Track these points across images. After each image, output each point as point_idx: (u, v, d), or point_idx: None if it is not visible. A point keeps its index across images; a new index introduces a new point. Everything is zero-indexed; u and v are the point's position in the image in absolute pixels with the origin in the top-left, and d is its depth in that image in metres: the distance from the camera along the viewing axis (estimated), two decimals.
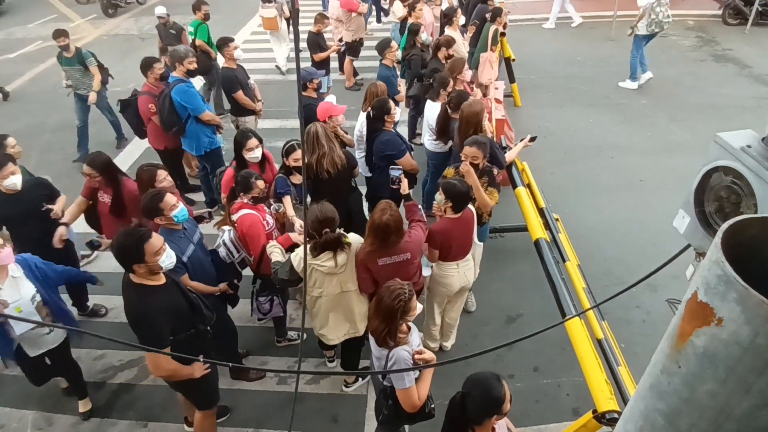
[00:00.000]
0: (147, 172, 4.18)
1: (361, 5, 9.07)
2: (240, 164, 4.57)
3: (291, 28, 9.67)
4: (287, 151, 4.45)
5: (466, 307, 4.85)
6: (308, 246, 3.54)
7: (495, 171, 4.36)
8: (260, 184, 4.04)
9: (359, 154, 5.33)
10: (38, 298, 3.49)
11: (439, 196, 3.74)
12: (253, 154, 4.54)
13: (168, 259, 2.98)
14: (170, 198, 3.49)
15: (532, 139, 5.19)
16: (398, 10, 9.11)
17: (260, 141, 4.66)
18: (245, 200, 4.00)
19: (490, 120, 5.51)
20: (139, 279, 2.94)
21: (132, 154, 7.81)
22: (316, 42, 8.09)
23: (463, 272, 4.02)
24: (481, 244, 4.40)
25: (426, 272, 4.00)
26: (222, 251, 3.97)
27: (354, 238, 3.64)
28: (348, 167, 4.52)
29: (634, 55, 9.15)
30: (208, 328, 3.28)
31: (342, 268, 3.53)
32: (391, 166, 4.45)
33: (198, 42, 7.90)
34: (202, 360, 3.14)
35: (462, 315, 4.88)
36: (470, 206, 3.88)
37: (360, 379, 4.34)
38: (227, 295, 4.01)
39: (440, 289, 4.07)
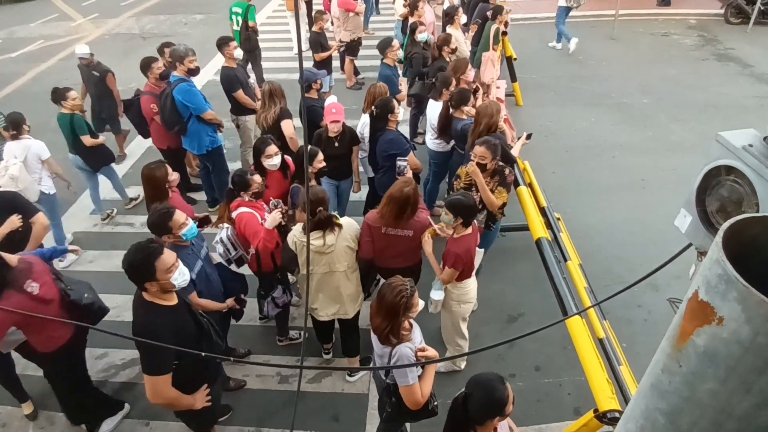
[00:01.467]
0: (159, 169, 4.15)
1: (359, 5, 9.06)
2: (259, 171, 4.42)
3: (300, 21, 9.76)
4: (311, 156, 4.36)
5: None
6: (301, 224, 3.79)
7: (507, 171, 4.35)
8: (257, 179, 4.04)
9: (362, 155, 5.33)
10: None
11: (446, 216, 3.65)
12: (272, 161, 4.39)
13: (181, 276, 2.87)
14: (179, 216, 3.40)
15: (529, 136, 5.19)
16: (399, 7, 9.11)
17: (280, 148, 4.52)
18: (246, 198, 4.01)
19: (506, 122, 5.48)
20: (150, 297, 2.83)
21: (134, 154, 7.81)
22: (318, 41, 8.09)
23: (474, 279, 4.06)
24: (482, 251, 4.28)
25: (438, 296, 3.86)
26: (219, 248, 3.98)
27: (346, 222, 3.75)
28: (275, 124, 5.32)
29: (558, 23, 10.86)
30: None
31: (330, 248, 3.64)
32: (399, 157, 4.48)
33: (251, 24, 8.44)
34: (203, 354, 3.10)
35: None
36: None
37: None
38: (233, 309, 4.01)
39: (465, 307, 4.01)
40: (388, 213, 3.73)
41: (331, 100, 5.58)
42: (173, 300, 2.93)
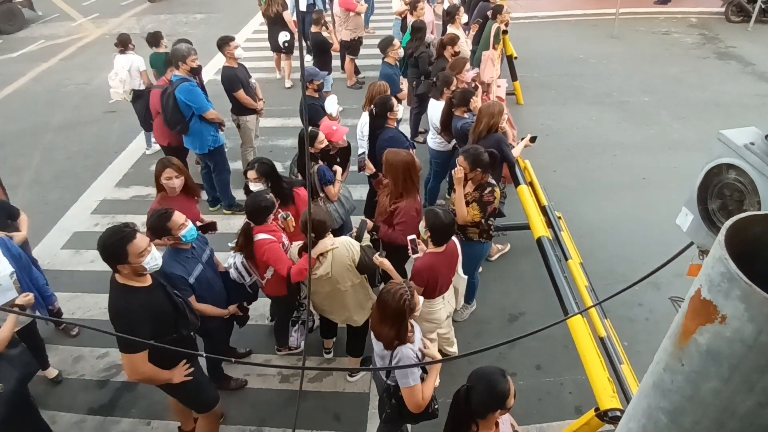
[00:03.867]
0: (167, 161, 4.25)
1: (360, 5, 9.05)
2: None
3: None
4: (311, 138, 4.44)
5: (460, 317, 4.83)
6: (298, 243, 3.75)
7: (488, 190, 4.07)
8: (272, 196, 3.87)
9: (360, 152, 5.33)
10: (15, 276, 3.50)
11: (421, 223, 3.61)
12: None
13: (153, 260, 2.91)
14: (178, 217, 3.36)
15: (533, 139, 5.18)
16: (396, 4, 9.10)
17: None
18: (269, 222, 3.82)
19: (508, 121, 5.43)
20: (123, 279, 2.89)
21: (135, 153, 7.81)
22: (320, 39, 8.11)
23: (448, 301, 3.91)
24: (465, 277, 4.07)
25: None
26: (233, 273, 3.90)
27: (342, 244, 3.63)
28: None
29: None
30: (192, 333, 3.24)
31: (326, 275, 3.63)
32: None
33: None
34: (203, 355, 3.11)
35: None
36: (454, 238, 3.73)
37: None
38: (237, 315, 4.00)
39: (429, 326, 3.88)
40: (407, 187, 3.94)
41: (331, 99, 5.58)
42: (147, 281, 2.96)
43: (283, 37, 8.86)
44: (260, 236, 3.75)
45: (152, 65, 7.00)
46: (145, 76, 6.84)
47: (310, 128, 4.60)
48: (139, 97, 6.14)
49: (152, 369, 2.98)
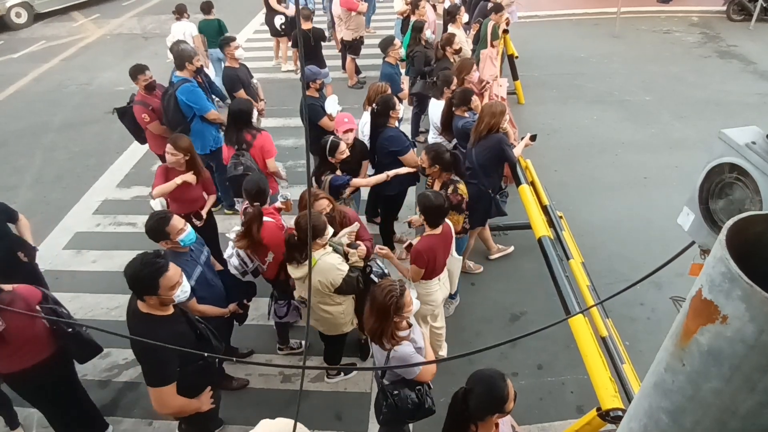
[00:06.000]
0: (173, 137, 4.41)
1: (361, 4, 9.05)
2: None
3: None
4: (332, 149, 4.40)
5: (446, 313, 4.80)
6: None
7: (450, 188, 4.19)
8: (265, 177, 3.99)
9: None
10: None
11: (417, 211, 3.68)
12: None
13: (183, 293, 2.88)
14: (177, 221, 3.39)
15: (533, 138, 5.17)
16: (397, 4, 9.10)
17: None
18: (267, 205, 3.91)
19: (511, 122, 5.42)
20: (147, 309, 2.83)
21: (135, 154, 7.81)
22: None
23: (443, 284, 4.00)
24: (460, 257, 4.22)
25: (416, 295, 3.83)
26: (234, 261, 3.90)
27: (326, 265, 3.56)
28: None
29: None
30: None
31: (302, 279, 3.64)
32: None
33: None
34: (205, 354, 3.07)
35: (465, 313, 4.90)
36: (447, 221, 3.82)
37: (342, 373, 4.38)
38: (237, 314, 4.01)
39: (426, 308, 3.95)
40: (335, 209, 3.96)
41: (331, 99, 5.58)
42: (170, 310, 2.91)
43: (279, 20, 9.33)
44: (264, 219, 3.80)
45: (201, 31, 8.12)
46: (197, 41, 7.91)
47: (332, 138, 4.52)
48: (124, 114, 6.06)
49: (182, 401, 2.89)
